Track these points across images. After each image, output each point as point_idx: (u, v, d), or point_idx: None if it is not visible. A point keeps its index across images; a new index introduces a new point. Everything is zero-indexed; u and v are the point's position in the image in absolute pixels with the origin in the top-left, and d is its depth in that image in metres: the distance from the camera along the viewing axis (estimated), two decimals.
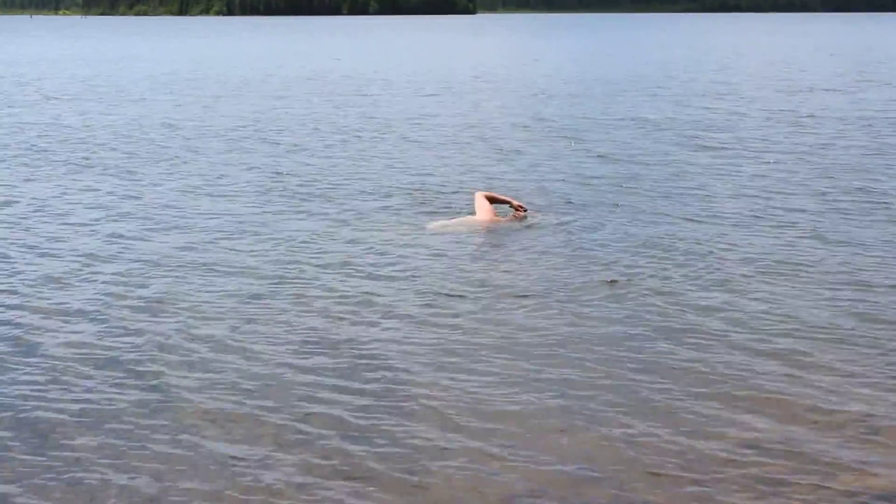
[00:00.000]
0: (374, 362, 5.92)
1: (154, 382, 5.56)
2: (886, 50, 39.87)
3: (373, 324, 6.55)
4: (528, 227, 9.07)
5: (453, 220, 9.16)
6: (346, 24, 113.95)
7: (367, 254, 8.18)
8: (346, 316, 6.70)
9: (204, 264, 7.86)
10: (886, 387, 5.50)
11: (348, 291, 7.15)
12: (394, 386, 5.58)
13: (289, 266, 7.79)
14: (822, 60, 34.70)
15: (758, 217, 9.27)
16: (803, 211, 9.54)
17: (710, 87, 23.75)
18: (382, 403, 5.36)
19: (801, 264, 7.72)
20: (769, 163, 12.37)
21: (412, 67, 32.80)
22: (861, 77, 25.77)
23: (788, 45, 46.60)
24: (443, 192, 10.63)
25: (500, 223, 9.06)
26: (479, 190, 9.70)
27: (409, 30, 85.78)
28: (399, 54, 42.92)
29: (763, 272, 7.52)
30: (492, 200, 9.32)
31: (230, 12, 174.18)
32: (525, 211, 9.29)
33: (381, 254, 8.18)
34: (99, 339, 6.19)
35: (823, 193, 10.41)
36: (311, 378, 5.66)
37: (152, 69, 32.37)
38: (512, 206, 9.31)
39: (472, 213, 9.22)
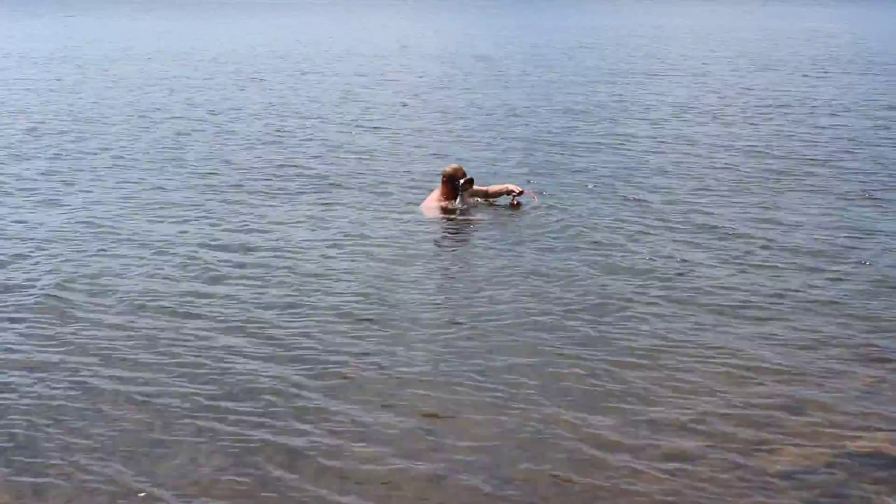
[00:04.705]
0: (306, 343, 6.28)
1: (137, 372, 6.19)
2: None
3: (309, 309, 7.11)
4: (485, 214, 9.89)
5: (425, 206, 10.13)
6: (278, 3, 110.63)
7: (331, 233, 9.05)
8: (278, 299, 7.33)
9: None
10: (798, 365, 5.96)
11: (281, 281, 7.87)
12: (323, 364, 5.92)
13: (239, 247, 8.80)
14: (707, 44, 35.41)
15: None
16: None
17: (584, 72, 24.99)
18: (313, 383, 5.62)
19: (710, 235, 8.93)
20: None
21: (273, 49, 33.14)
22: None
23: (697, 28, 46.82)
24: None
25: (455, 208, 9.95)
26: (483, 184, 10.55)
27: (315, 10, 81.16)
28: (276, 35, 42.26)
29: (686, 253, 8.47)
30: (487, 194, 10.26)
31: None
32: (520, 193, 10.19)
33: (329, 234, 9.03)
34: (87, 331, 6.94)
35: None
36: (242, 358, 6.12)
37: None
38: (508, 192, 10.18)
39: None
